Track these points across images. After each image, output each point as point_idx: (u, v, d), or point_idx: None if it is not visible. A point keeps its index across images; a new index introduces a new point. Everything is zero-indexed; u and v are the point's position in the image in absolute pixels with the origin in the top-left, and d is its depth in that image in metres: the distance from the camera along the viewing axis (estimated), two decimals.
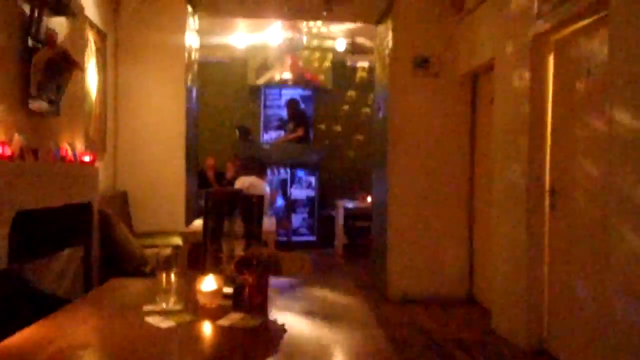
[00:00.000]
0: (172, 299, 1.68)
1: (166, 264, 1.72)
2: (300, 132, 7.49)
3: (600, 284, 2.75)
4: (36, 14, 2.77)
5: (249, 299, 1.72)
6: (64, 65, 3.06)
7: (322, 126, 8.49)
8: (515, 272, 3.63)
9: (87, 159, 3.48)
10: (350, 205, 7.16)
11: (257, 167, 5.48)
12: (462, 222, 4.90)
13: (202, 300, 1.68)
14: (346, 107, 8.53)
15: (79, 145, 3.55)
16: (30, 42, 2.75)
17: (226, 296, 1.75)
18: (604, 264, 2.68)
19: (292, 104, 7.74)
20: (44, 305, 1.77)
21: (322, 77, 8.30)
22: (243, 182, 5.24)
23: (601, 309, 2.73)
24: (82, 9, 3.61)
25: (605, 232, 2.64)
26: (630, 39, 2.47)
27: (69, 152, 3.22)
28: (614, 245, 2.52)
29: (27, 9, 2.74)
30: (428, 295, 4.81)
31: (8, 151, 2.47)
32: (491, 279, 4.12)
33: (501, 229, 3.91)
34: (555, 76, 3.42)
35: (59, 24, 3.03)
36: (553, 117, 3.43)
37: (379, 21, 5.39)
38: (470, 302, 4.79)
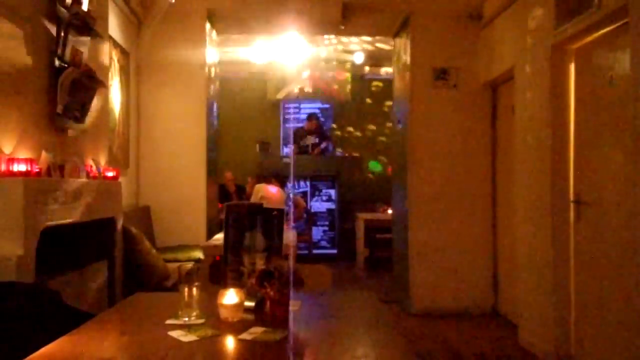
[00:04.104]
0: (194, 313, 1.69)
1: (188, 278, 1.73)
2: (326, 144, 7.73)
3: (630, 297, 2.67)
4: (62, 35, 2.86)
5: (271, 312, 1.72)
6: (89, 84, 3.14)
7: (341, 139, 8.51)
8: (541, 285, 3.56)
9: (110, 174, 3.55)
10: (370, 217, 7.13)
11: (275, 177, 5.79)
12: (485, 233, 4.83)
13: (223, 314, 1.69)
14: (365, 119, 8.54)
15: (103, 161, 3.62)
16: (56, 63, 2.83)
17: (248, 310, 1.75)
18: (633, 276, 2.61)
19: (314, 117, 7.83)
20: (69, 319, 1.79)
21: (340, 90, 8.34)
22: (258, 189, 5.57)
23: (631, 322, 2.65)
24: (106, 29, 3.71)
25: (634, 245, 2.58)
26: None
27: (94, 168, 3.29)
28: None
29: (53, 30, 2.83)
30: (452, 309, 4.74)
31: (36, 168, 2.54)
32: (516, 291, 4.04)
33: (525, 241, 3.84)
34: (577, 85, 3.38)
35: (84, 44, 3.12)
36: (576, 126, 3.37)
37: (397, 34, 5.40)
38: (496, 315, 4.70)
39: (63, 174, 2.85)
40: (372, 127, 8.50)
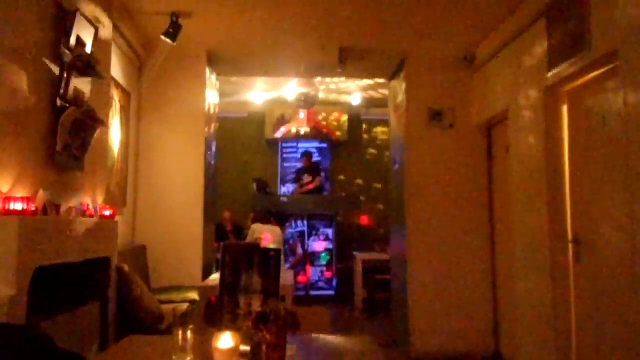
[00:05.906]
0: (189, 358, 1.65)
1: (182, 320, 1.70)
2: (317, 182, 7.70)
3: (632, 338, 2.62)
4: (65, 76, 2.90)
5: (267, 357, 1.68)
6: (89, 123, 3.17)
7: (339, 178, 8.55)
8: (542, 328, 3.50)
9: (107, 213, 3.53)
10: (368, 257, 7.07)
11: (269, 217, 5.86)
12: (485, 274, 4.78)
13: (218, 358, 1.64)
14: (362, 159, 8.60)
15: (100, 200, 3.61)
16: (58, 102, 2.87)
17: (243, 354, 1.71)
18: (635, 316, 2.57)
19: (307, 155, 7.90)
20: None
21: (338, 130, 8.44)
22: (254, 229, 5.60)
23: None
24: (108, 70, 3.77)
25: (635, 284, 2.55)
26: None
27: (90, 207, 3.27)
28: None
29: (56, 71, 2.88)
30: (453, 351, 4.63)
31: (32, 206, 2.52)
32: (518, 333, 3.97)
33: (524, 282, 3.80)
34: (570, 126, 3.43)
35: (85, 84, 3.16)
36: (571, 166, 3.40)
37: (393, 76, 5.52)
38: (497, 358, 4.60)
39: (59, 212, 2.83)
40: (369, 165, 8.55)
